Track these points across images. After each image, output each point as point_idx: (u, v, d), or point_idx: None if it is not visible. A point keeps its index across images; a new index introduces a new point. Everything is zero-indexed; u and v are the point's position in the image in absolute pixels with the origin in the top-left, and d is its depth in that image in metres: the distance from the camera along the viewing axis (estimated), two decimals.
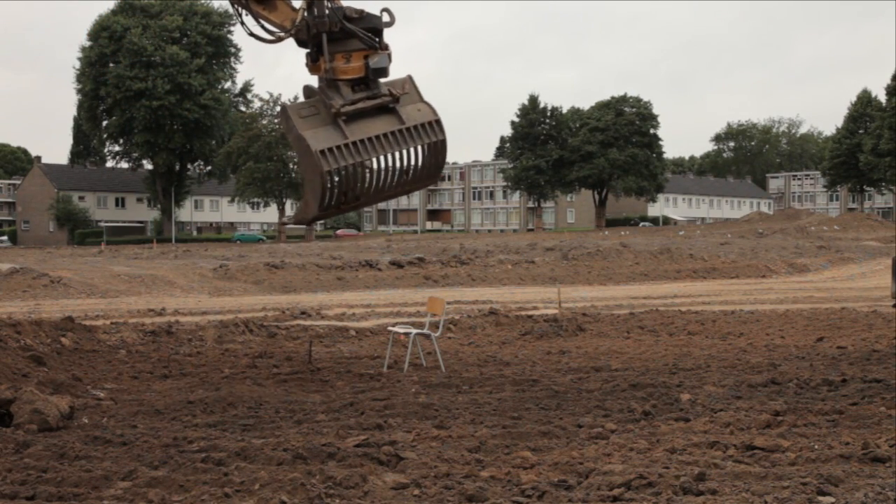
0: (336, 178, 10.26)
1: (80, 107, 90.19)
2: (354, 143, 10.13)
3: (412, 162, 10.61)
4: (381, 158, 10.45)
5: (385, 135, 10.29)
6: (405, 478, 5.81)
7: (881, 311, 17.96)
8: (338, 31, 10.13)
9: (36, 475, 5.82)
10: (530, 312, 19.35)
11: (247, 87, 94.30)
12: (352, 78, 10.31)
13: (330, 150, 10.03)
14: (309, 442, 6.76)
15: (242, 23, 10.33)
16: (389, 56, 10.40)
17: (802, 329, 15.52)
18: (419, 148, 10.52)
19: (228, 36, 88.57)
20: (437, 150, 10.60)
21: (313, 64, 10.40)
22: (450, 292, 26.30)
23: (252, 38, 10.35)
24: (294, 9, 10.17)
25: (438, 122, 10.48)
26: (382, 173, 10.62)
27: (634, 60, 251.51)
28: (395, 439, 6.91)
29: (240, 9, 10.22)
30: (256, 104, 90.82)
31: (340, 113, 10.16)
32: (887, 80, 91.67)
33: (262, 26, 10.31)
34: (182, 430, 7.46)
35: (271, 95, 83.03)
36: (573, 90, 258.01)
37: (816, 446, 6.46)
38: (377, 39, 10.32)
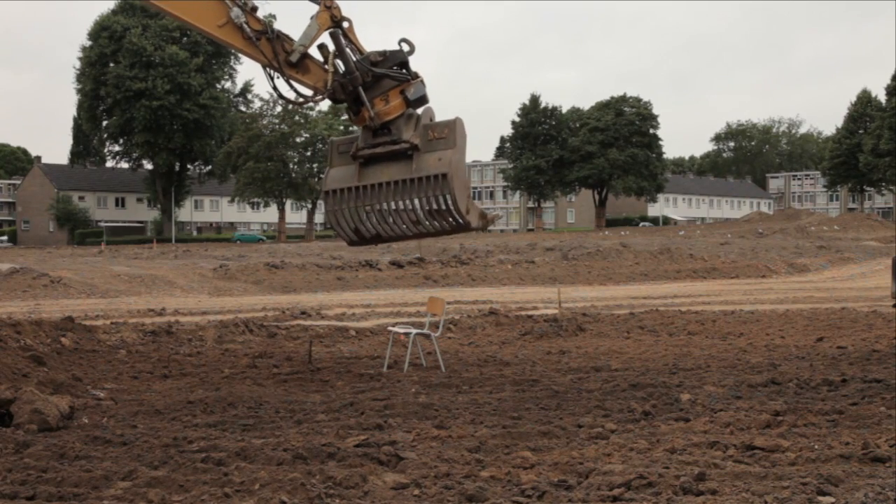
0: (344, 217, 10.86)
1: (80, 107, 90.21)
2: (361, 188, 10.56)
3: (418, 211, 10.55)
4: (387, 204, 10.57)
5: (389, 183, 10.49)
6: (405, 478, 5.81)
7: (881, 311, 17.95)
8: (370, 80, 10.40)
9: (36, 475, 5.82)
10: (530, 312, 19.35)
11: (247, 87, 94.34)
12: (394, 117, 10.49)
13: (336, 191, 10.72)
14: (309, 442, 6.76)
15: (275, 87, 10.56)
16: (423, 82, 10.65)
17: (802, 329, 15.52)
18: (423, 200, 10.38)
19: None
20: (441, 202, 10.28)
21: (356, 116, 10.66)
22: (450, 292, 26.30)
23: (284, 101, 10.61)
24: (326, 69, 10.36)
25: (445, 175, 10.10)
26: (391, 217, 10.74)
27: (635, 60, 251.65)
28: (395, 439, 6.91)
29: (272, 72, 10.40)
30: (256, 104, 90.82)
31: (356, 156, 10.68)
32: (887, 80, 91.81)
33: (295, 89, 10.56)
34: (182, 430, 7.46)
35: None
36: (574, 90, 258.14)
37: (816, 446, 6.46)
38: (406, 71, 10.57)
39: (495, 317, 17.36)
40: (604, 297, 25.10)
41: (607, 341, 14.37)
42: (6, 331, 11.75)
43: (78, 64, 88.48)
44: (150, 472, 5.86)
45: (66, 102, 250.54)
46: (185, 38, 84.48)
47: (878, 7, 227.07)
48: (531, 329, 15.53)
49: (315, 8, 10.45)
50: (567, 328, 15.55)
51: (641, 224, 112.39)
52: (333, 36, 10.42)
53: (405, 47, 10.64)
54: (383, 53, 10.56)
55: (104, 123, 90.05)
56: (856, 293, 25.36)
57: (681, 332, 15.40)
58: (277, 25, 10.54)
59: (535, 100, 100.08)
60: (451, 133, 10.32)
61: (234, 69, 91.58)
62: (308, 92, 10.56)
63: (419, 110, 10.66)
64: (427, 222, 10.61)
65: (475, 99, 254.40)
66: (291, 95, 10.56)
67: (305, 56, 10.36)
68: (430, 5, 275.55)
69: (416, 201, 10.45)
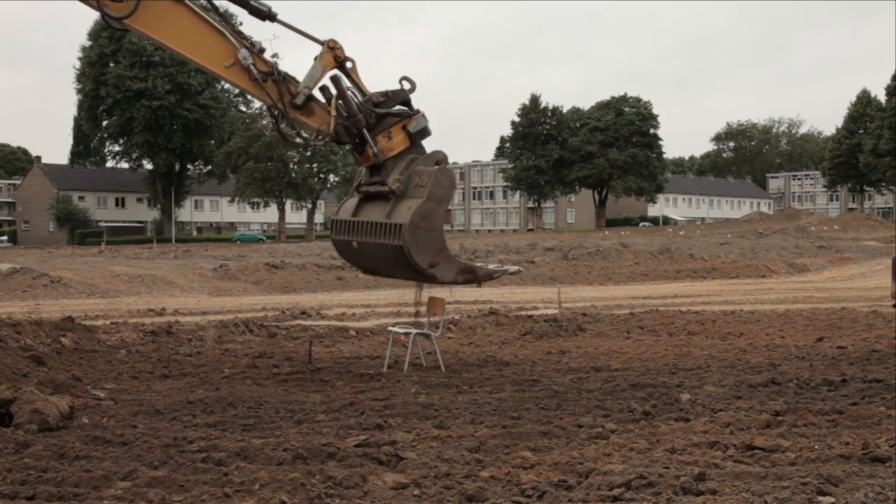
0: (338, 246, 11.56)
1: (80, 107, 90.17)
2: (352, 222, 10.98)
3: (382, 254, 10.64)
4: (367, 242, 10.74)
5: (367, 223, 10.76)
6: (405, 478, 5.81)
7: (881, 311, 17.95)
8: (373, 121, 10.58)
9: (36, 475, 5.82)
10: (530, 312, 19.35)
11: None
12: (397, 153, 10.66)
13: (337, 221, 11.30)
14: (309, 442, 6.76)
15: (279, 128, 10.71)
16: (424, 116, 10.85)
17: (802, 329, 15.52)
18: (384, 244, 10.48)
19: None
20: (397, 251, 10.31)
21: (360, 156, 10.83)
22: (450, 292, 26.28)
23: (288, 142, 10.93)
24: (330, 112, 10.49)
25: (401, 226, 10.12)
26: (367, 254, 10.98)
27: (635, 60, 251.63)
28: (395, 439, 6.91)
29: (277, 114, 10.55)
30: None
31: (358, 190, 11.08)
32: (887, 80, 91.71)
33: (298, 130, 10.79)
34: (182, 430, 7.46)
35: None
36: (574, 90, 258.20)
37: (816, 446, 6.45)
38: (408, 108, 10.76)
39: (495, 317, 17.37)
40: (604, 297, 25.10)
41: (607, 341, 14.37)
42: (6, 331, 11.75)
43: (78, 64, 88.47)
44: (150, 472, 5.86)
45: (66, 102, 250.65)
46: None
47: (878, 7, 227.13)
48: (531, 329, 15.53)
49: (316, 44, 10.66)
50: (567, 328, 15.55)
51: (641, 224, 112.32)
52: (335, 80, 10.57)
53: (406, 85, 10.89)
54: (385, 94, 10.77)
55: (104, 123, 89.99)
56: (856, 293, 25.36)
57: (681, 332, 15.40)
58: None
59: (535, 100, 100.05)
60: (428, 182, 10.30)
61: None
62: (311, 134, 10.78)
63: (429, 159, 10.70)
64: (395, 268, 10.70)
65: (475, 99, 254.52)
66: (295, 136, 10.83)
67: (310, 98, 10.50)
68: (430, 5, 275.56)
69: (379, 243, 10.56)
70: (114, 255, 46.98)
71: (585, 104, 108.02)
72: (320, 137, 10.76)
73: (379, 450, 6.44)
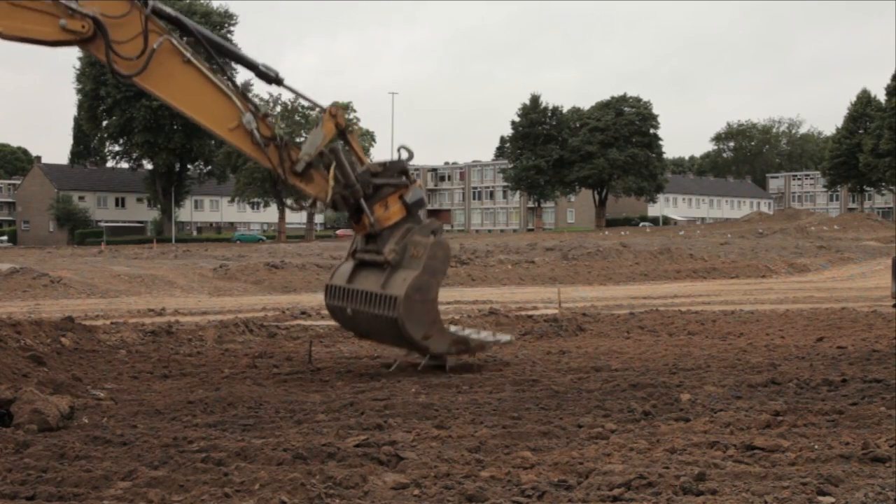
0: (332, 312, 11.64)
1: (80, 107, 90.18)
2: (346, 289, 11.02)
3: (376, 323, 10.71)
4: (361, 310, 10.80)
5: (359, 291, 10.82)
6: (405, 478, 5.80)
7: (881, 311, 17.95)
8: (370, 191, 10.71)
9: (36, 475, 5.82)
10: (530, 312, 19.34)
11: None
12: (394, 223, 10.79)
13: (331, 286, 11.38)
14: (309, 442, 6.75)
15: (276, 192, 10.83)
16: (421, 186, 11.08)
17: (802, 329, 15.51)
18: (378, 314, 10.52)
19: (228, 36, 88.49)
20: (391, 322, 10.36)
21: (357, 224, 10.95)
22: (450, 292, 26.29)
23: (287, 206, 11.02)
24: (328, 180, 10.60)
25: (396, 299, 10.19)
26: (362, 321, 11.03)
27: (635, 60, 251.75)
28: (395, 439, 6.91)
29: (276, 177, 10.62)
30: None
31: (353, 256, 11.18)
32: (887, 80, 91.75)
33: (295, 196, 10.77)
34: (182, 430, 7.46)
35: (271, 95, 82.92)
36: (574, 90, 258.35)
37: (816, 446, 6.45)
38: (406, 178, 10.90)
39: (495, 317, 17.36)
40: (604, 297, 25.10)
41: (607, 341, 14.37)
42: (6, 331, 11.75)
43: (78, 64, 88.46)
44: (150, 472, 5.86)
45: (66, 102, 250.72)
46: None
47: (878, 7, 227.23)
48: (531, 329, 15.52)
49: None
50: (567, 328, 15.55)
51: (641, 224, 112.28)
52: (334, 151, 10.69)
53: (404, 154, 11.06)
54: (383, 164, 10.95)
55: (104, 123, 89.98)
56: (856, 293, 25.36)
57: (681, 332, 15.39)
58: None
59: (535, 100, 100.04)
60: (423, 255, 10.37)
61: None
62: (309, 200, 10.84)
63: (425, 229, 10.83)
64: (388, 337, 10.76)
65: (475, 99, 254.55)
66: (293, 202, 10.87)
67: (310, 165, 10.61)
68: (430, 5, 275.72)
69: (373, 314, 10.62)
70: (114, 255, 46.99)
71: (585, 104, 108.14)
72: (317, 204, 10.98)
73: (379, 450, 6.44)
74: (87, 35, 9.69)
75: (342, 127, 10.80)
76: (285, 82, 10.96)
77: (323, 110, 10.83)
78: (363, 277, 10.96)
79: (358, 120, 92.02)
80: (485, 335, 11.70)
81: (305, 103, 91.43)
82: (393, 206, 10.81)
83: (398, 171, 10.93)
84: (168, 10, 10.25)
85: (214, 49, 10.61)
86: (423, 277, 10.27)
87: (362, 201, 10.63)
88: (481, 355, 11.91)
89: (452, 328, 11.74)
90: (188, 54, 10.15)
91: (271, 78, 10.85)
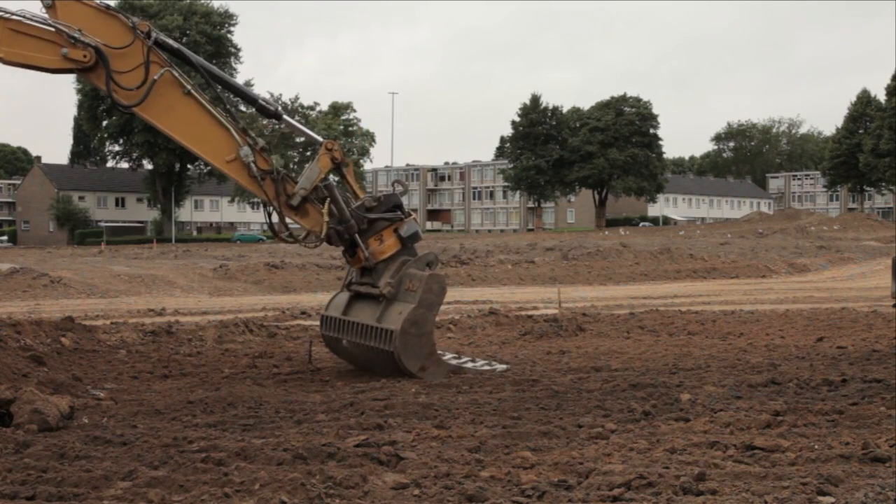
0: (328, 342, 11.74)
1: (80, 107, 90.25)
2: (342, 320, 11.07)
3: (372, 355, 10.75)
4: (357, 342, 10.86)
5: (355, 324, 10.87)
6: (405, 478, 5.80)
7: (881, 311, 17.95)
8: (365, 226, 10.76)
9: (36, 475, 5.82)
10: (530, 312, 19.35)
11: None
12: (389, 256, 10.82)
13: (326, 317, 11.49)
14: (309, 442, 6.75)
15: (271, 224, 10.97)
16: (415, 220, 11.15)
17: (802, 329, 15.51)
18: (374, 347, 10.57)
19: (228, 36, 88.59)
20: (387, 355, 10.40)
21: (352, 258, 10.99)
22: (450, 292, 26.26)
23: (281, 239, 11.21)
24: (323, 215, 10.65)
25: (392, 332, 10.23)
26: (357, 353, 11.10)
27: (636, 60, 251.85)
28: (395, 439, 6.90)
29: (271, 210, 10.76)
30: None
31: (348, 288, 11.22)
32: (887, 80, 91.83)
33: (289, 230, 11.08)
34: (182, 430, 7.46)
35: (271, 95, 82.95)
36: (574, 90, 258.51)
37: (816, 446, 6.45)
38: (400, 211, 10.95)
39: (495, 317, 17.36)
40: (604, 297, 25.10)
41: (607, 341, 14.36)
42: (6, 331, 11.75)
43: None
44: (150, 472, 5.86)
45: (66, 102, 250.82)
46: (184, 38, 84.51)
47: (878, 7, 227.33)
48: (531, 329, 15.52)
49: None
50: (567, 328, 15.54)
51: (641, 224, 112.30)
52: (328, 187, 10.72)
53: (399, 189, 11.17)
54: (377, 198, 11.00)
55: (104, 123, 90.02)
56: (856, 293, 25.36)
57: (681, 332, 15.39)
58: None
59: (535, 100, 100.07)
60: (419, 288, 10.40)
61: (235, 69, 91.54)
62: (303, 233, 11.04)
63: (420, 261, 10.86)
64: (385, 369, 10.80)
65: (475, 99, 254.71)
66: (287, 235, 11.10)
67: (306, 199, 10.66)
68: (430, 5, 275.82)
69: (369, 345, 10.67)
70: (114, 255, 46.99)
71: (585, 104, 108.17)
72: (311, 239, 11.02)
73: (379, 450, 6.44)
74: (89, 64, 9.75)
75: (338, 161, 10.83)
76: (284, 117, 11.11)
77: (319, 144, 10.86)
78: (359, 309, 11.01)
79: (358, 120, 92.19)
80: (481, 363, 11.66)
81: (303, 106, 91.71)
82: (388, 240, 10.85)
83: (393, 205, 10.98)
84: (170, 41, 10.32)
85: (215, 81, 10.68)
86: (419, 311, 10.32)
87: (357, 236, 10.67)
88: (483, 352, 11.91)
89: (448, 356, 11.74)
90: (188, 86, 10.20)
91: (271, 113, 10.96)
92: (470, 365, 11.40)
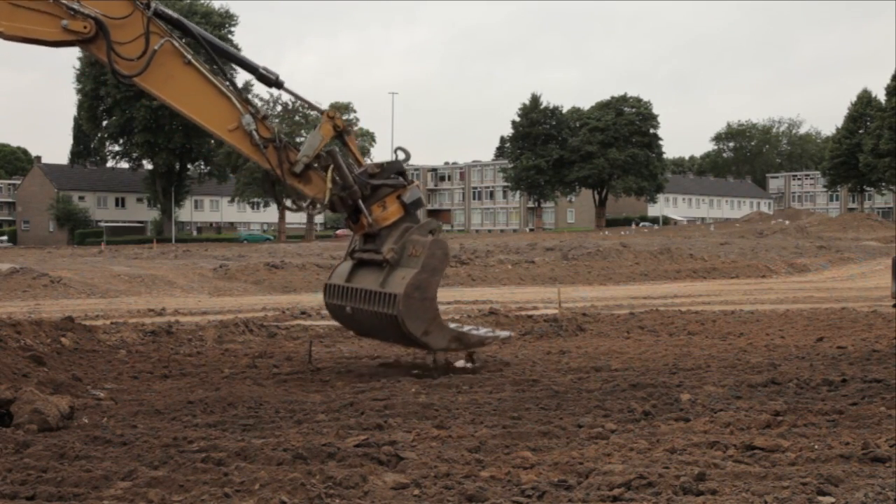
0: (332, 311, 11.71)
1: (80, 107, 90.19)
2: (345, 287, 11.10)
3: (376, 321, 10.77)
4: (361, 308, 10.87)
5: (359, 290, 10.90)
6: (405, 478, 5.80)
7: (881, 311, 17.95)
8: (368, 192, 10.78)
9: (36, 475, 5.82)
10: (530, 312, 19.34)
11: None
12: (392, 223, 10.84)
13: (330, 286, 11.45)
14: (309, 442, 6.75)
15: (275, 192, 10.93)
16: (418, 187, 11.14)
17: (802, 329, 15.51)
18: (378, 312, 10.58)
19: (228, 36, 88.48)
20: (391, 320, 10.42)
21: (355, 224, 11.01)
22: (450, 292, 26.30)
23: (285, 207, 11.11)
24: (326, 181, 10.68)
25: (396, 297, 10.25)
26: (361, 319, 11.12)
27: (636, 60, 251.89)
28: (395, 439, 6.91)
29: (274, 178, 10.77)
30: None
31: (352, 256, 11.26)
32: (887, 80, 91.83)
33: (293, 197, 11.13)
34: (182, 430, 7.46)
35: (272, 95, 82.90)
36: (574, 90, 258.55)
37: (816, 446, 6.45)
38: (403, 178, 10.97)
39: (495, 317, 17.36)
40: (604, 297, 25.10)
41: (607, 341, 14.36)
42: (6, 331, 11.75)
43: (78, 64, 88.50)
44: (150, 472, 5.86)
45: (66, 102, 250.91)
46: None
47: (878, 7, 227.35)
48: (531, 329, 15.52)
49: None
50: (567, 328, 15.54)
51: (641, 224, 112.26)
52: (331, 153, 10.74)
53: (401, 155, 11.20)
54: (381, 165, 11.06)
55: (104, 123, 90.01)
56: (856, 293, 25.36)
57: (681, 332, 15.39)
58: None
59: (535, 100, 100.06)
60: (422, 253, 10.44)
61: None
62: (307, 201, 11.04)
63: (423, 228, 10.91)
64: (389, 334, 10.83)
65: (476, 99, 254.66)
66: (291, 203, 11.16)
67: (308, 167, 10.68)
68: (430, 5, 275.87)
69: (374, 311, 10.68)
70: (114, 255, 46.98)
71: (585, 104, 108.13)
72: (315, 206, 11.03)
73: (379, 450, 6.44)
74: (89, 36, 9.72)
75: (340, 129, 10.86)
76: (285, 85, 11.01)
77: (321, 113, 10.89)
78: (362, 276, 11.04)
79: (358, 120, 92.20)
80: (484, 331, 11.76)
81: (303, 106, 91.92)
82: (391, 206, 10.88)
83: (395, 171, 11.02)
84: (170, 12, 10.31)
85: (215, 51, 10.66)
86: (422, 276, 10.34)
87: (360, 202, 10.70)
88: (483, 352, 11.91)
89: (452, 325, 11.77)
90: (189, 56, 10.20)
91: (271, 81, 10.90)
92: (473, 332, 11.48)
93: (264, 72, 10.84)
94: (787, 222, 76.45)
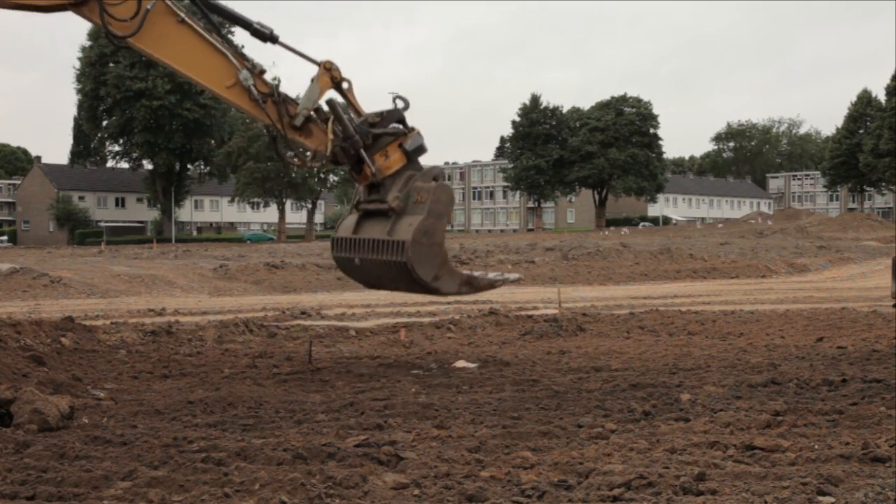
0: (341, 264, 11.74)
1: (80, 107, 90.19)
2: (352, 239, 11.09)
3: (385, 270, 10.75)
4: (369, 258, 10.88)
5: (368, 240, 10.88)
6: (405, 478, 5.80)
7: (881, 311, 17.94)
8: (370, 142, 10.72)
9: (36, 475, 5.82)
10: (530, 312, 19.34)
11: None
12: (395, 171, 10.79)
13: (338, 239, 11.47)
14: (309, 442, 6.75)
15: (276, 147, 10.96)
16: (419, 133, 11.00)
17: (802, 329, 15.51)
18: (387, 261, 10.58)
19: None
20: (400, 267, 10.41)
21: (358, 175, 10.96)
22: None
23: (290, 163, 11.33)
24: (327, 133, 10.62)
25: (403, 243, 10.25)
26: (370, 270, 11.12)
27: (636, 60, 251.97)
28: (395, 439, 6.91)
29: (275, 134, 10.75)
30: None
31: (357, 208, 11.22)
32: (887, 80, 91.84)
33: (295, 151, 11.00)
34: (182, 430, 7.46)
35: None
36: (575, 90, 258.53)
37: (816, 446, 6.45)
38: (403, 126, 10.91)
39: (495, 317, 17.36)
40: (604, 297, 25.10)
41: (607, 341, 14.36)
42: (6, 331, 11.75)
43: (78, 64, 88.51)
44: (150, 472, 5.86)
45: (66, 102, 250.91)
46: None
47: (878, 7, 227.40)
48: (531, 329, 15.52)
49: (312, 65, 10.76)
50: (567, 328, 15.54)
51: (641, 225, 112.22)
52: (330, 104, 10.70)
53: (400, 104, 11.08)
54: (380, 114, 10.94)
55: (104, 123, 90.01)
56: (856, 293, 25.35)
57: (681, 332, 15.39)
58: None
59: (535, 99, 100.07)
60: (427, 199, 10.42)
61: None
62: (309, 154, 10.94)
63: (427, 175, 10.83)
64: (399, 282, 10.79)
65: (476, 99, 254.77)
66: (292, 157, 11.05)
67: (308, 119, 10.63)
68: (430, 5, 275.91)
69: (381, 260, 10.67)
70: (114, 255, 46.97)
71: (586, 104, 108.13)
72: (318, 158, 10.93)
73: (379, 450, 6.44)
74: None
75: (337, 80, 10.76)
76: (280, 41, 10.81)
77: (318, 64, 10.74)
78: (368, 227, 11.03)
79: None
80: (493, 275, 11.77)
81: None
82: (393, 155, 10.82)
83: (395, 119, 10.94)
84: None
85: (208, 7, 10.59)
86: (429, 221, 10.33)
87: (362, 152, 10.64)
88: (483, 352, 11.91)
89: (461, 269, 11.79)
90: (182, 14, 10.12)
91: (266, 36, 10.74)
92: (482, 275, 11.53)
93: (258, 27, 10.70)
94: (769, 222, 76.54)
